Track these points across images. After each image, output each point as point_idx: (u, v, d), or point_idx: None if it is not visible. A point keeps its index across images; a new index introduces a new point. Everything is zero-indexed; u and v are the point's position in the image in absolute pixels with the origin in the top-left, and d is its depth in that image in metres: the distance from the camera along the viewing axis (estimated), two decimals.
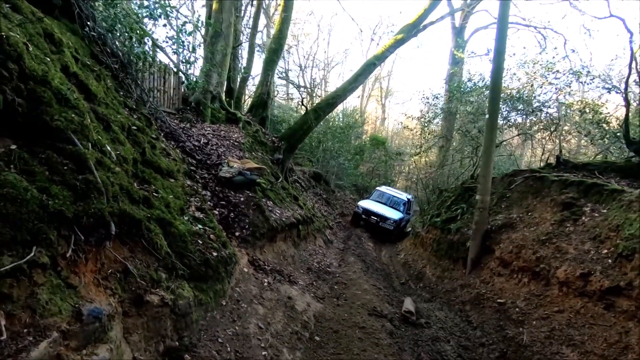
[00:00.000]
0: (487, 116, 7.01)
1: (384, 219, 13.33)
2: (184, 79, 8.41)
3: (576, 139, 9.58)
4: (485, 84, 11.19)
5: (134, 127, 3.72)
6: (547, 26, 12.06)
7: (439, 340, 4.85)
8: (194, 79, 8.39)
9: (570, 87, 8.06)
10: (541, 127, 9.20)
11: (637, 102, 7.12)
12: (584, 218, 5.30)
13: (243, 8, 16.09)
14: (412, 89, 55.71)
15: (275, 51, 11.38)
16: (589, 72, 7.70)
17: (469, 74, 12.18)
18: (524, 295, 5.25)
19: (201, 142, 7.21)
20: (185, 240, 3.23)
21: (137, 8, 5.54)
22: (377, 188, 16.53)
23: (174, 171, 4.46)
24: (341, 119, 24.06)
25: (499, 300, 5.49)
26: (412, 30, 11.60)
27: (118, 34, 5.21)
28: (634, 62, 6.57)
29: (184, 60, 6.42)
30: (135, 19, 5.08)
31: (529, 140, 11.02)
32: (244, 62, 15.13)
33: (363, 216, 13.71)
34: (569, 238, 5.17)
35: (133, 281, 2.38)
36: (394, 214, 13.76)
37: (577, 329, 4.14)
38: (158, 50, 6.60)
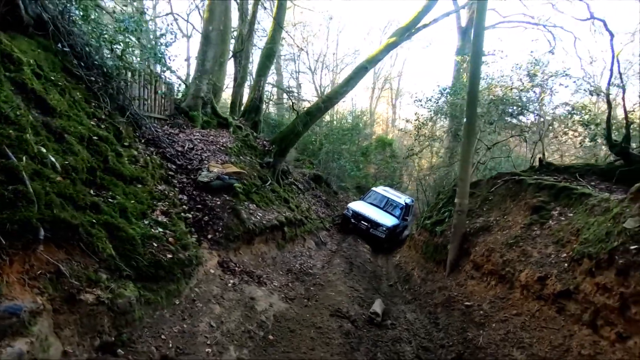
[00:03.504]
0: (464, 120, 7.03)
1: (375, 225, 12.06)
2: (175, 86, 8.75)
3: (572, 140, 9.42)
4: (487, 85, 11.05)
5: (96, 137, 3.98)
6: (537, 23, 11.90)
7: (401, 342, 4.94)
8: (184, 87, 8.70)
9: (551, 90, 7.98)
10: (532, 129, 9.12)
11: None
12: (550, 222, 5.29)
13: (249, 13, 16.24)
14: (424, 88, 55.24)
15: (267, 57, 11.64)
16: (566, 74, 7.59)
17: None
18: (490, 298, 5.27)
19: (186, 147, 7.49)
20: (134, 243, 3.46)
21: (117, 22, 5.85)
22: (373, 189, 15.29)
23: (143, 177, 4.72)
24: (349, 121, 24.21)
25: (466, 303, 5.53)
26: (404, 33, 11.65)
27: (99, 47, 5.53)
28: (615, 64, 6.48)
29: (166, 69, 6.71)
30: (111, 32, 5.40)
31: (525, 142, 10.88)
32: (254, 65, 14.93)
33: (352, 220, 12.32)
34: (535, 242, 5.17)
35: (65, 281, 2.61)
36: (387, 220, 12.47)
37: (529, 331, 4.17)
38: (145, 60, 6.92)
